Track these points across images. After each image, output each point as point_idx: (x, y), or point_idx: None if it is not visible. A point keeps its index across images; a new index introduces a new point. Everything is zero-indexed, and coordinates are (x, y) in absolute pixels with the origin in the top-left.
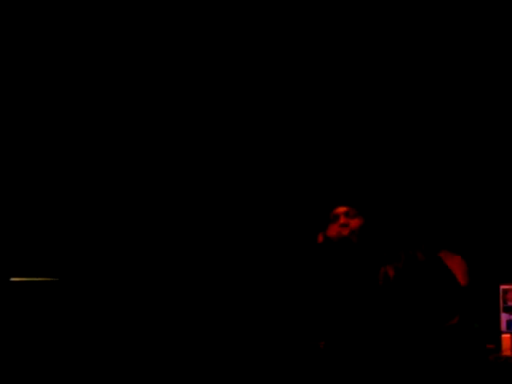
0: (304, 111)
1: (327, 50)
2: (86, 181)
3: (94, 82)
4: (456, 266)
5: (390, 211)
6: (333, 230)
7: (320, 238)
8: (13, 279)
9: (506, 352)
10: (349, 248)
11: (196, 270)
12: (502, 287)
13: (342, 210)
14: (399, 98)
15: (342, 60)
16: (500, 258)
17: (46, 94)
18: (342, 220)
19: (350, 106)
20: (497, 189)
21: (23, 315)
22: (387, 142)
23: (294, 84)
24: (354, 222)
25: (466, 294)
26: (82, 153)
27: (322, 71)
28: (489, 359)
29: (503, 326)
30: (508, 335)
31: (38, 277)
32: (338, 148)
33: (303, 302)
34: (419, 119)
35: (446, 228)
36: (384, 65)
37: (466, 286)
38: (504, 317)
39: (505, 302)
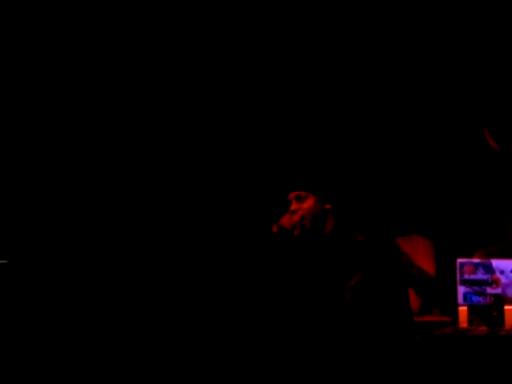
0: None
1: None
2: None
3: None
4: (423, 252)
5: (347, 193)
6: (285, 218)
7: (274, 229)
8: None
9: (463, 324)
10: (302, 235)
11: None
12: (459, 260)
13: (292, 195)
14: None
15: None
16: (457, 232)
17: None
18: (293, 206)
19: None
20: (452, 164)
21: None
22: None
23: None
24: (306, 205)
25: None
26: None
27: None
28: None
29: (460, 299)
30: (465, 308)
31: None
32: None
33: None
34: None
35: (404, 204)
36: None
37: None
38: (461, 289)
39: (462, 275)
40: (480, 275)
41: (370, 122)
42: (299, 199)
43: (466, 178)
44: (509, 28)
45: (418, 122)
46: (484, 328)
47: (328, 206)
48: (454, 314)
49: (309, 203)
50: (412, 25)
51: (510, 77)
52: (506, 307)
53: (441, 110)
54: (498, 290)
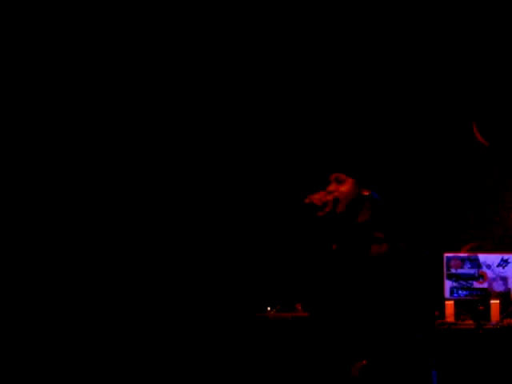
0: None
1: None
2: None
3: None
4: None
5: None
6: (318, 194)
7: (306, 201)
8: None
9: (450, 318)
10: (333, 217)
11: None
12: (446, 255)
13: (333, 176)
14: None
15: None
16: (444, 227)
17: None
18: (331, 187)
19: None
20: (441, 159)
21: None
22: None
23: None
24: (343, 188)
25: None
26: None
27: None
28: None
29: (447, 293)
30: (451, 302)
31: None
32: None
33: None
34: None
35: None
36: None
37: None
38: (448, 284)
39: (448, 269)
40: (467, 269)
41: (365, 119)
42: (338, 181)
43: (454, 172)
44: (496, 25)
45: (410, 119)
46: (470, 322)
47: (366, 192)
48: (441, 308)
49: (347, 187)
50: (405, 24)
51: (498, 73)
52: (492, 301)
53: (430, 106)
54: (485, 285)
